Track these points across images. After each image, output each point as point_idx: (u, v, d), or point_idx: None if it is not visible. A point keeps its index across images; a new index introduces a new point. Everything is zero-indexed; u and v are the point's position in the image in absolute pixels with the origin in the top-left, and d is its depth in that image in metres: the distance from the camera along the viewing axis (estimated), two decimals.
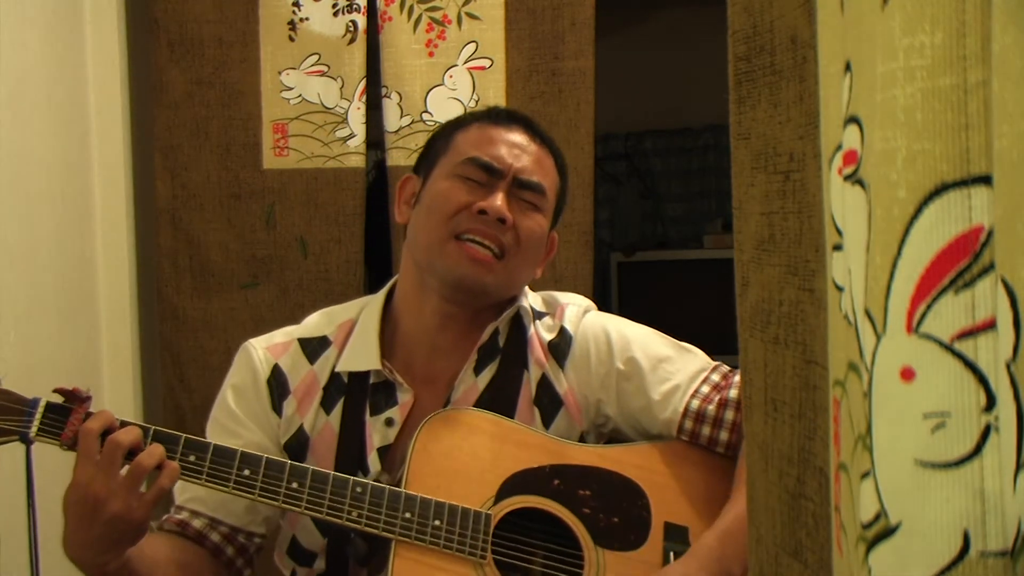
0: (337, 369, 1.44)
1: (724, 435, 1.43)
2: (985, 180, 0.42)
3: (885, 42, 0.45)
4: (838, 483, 0.53)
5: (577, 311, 1.51)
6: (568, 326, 1.48)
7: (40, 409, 1.27)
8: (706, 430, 1.43)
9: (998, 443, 0.42)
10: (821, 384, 0.65)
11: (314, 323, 1.51)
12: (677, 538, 1.40)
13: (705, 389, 1.44)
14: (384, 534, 1.31)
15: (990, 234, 0.42)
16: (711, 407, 1.43)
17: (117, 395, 2.14)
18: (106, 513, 1.22)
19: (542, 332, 1.48)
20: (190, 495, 1.42)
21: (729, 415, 1.42)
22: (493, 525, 1.34)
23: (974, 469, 0.43)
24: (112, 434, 1.24)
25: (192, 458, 1.29)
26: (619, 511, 1.39)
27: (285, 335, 1.50)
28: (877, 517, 0.46)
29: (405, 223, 1.50)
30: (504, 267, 1.41)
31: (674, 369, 1.45)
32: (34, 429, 1.26)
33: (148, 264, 2.22)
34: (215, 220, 2.19)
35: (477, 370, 1.45)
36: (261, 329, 1.55)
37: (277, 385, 1.45)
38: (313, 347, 1.47)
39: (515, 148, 1.45)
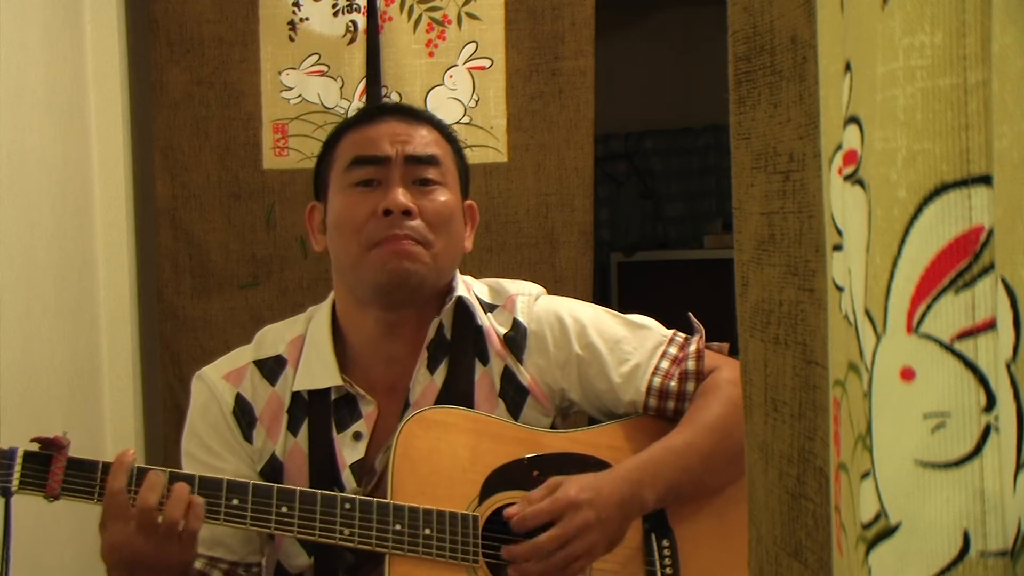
0: (295, 389, 1.42)
1: (689, 406, 1.43)
2: (985, 180, 0.42)
3: (885, 42, 0.45)
4: (838, 483, 0.53)
5: (527, 300, 1.48)
6: (521, 317, 1.46)
7: (19, 460, 1.23)
8: (671, 404, 1.43)
9: (998, 443, 0.42)
10: (821, 384, 0.65)
11: (266, 341, 1.48)
12: (654, 517, 1.40)
13: (664, 365, 1.44)
14: (378, 550, 1.30)
15: (990, 234, 0.42)
16: (672, 383, 1.42)
17: (117, 395, 2.14)
18: (154, 567, 1.23)
19: (496, 325, 1.46)
20: None
21: (691, 387, 1.42)
22: (480, 526, 1.34)
23: (974, 469, 0.43)
24: (142, 494, 1.23)
25: None
26: None
27: (239, 359, 1.47)
28: (877, 517, 0.46)
29: (323, 251, 1.48)
30: (432, 255, 1.38)
31: (631, 348, 1.45)
32: (15, 482, 1.22)
33: (148, 264, 2.22)
34: (215, 220, 2.19)
35: (431, 367, 1.43)
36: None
37: (243, 415, 1.43)
38: (270, 367, 1.45)
39: (395, 134, 1.41)
